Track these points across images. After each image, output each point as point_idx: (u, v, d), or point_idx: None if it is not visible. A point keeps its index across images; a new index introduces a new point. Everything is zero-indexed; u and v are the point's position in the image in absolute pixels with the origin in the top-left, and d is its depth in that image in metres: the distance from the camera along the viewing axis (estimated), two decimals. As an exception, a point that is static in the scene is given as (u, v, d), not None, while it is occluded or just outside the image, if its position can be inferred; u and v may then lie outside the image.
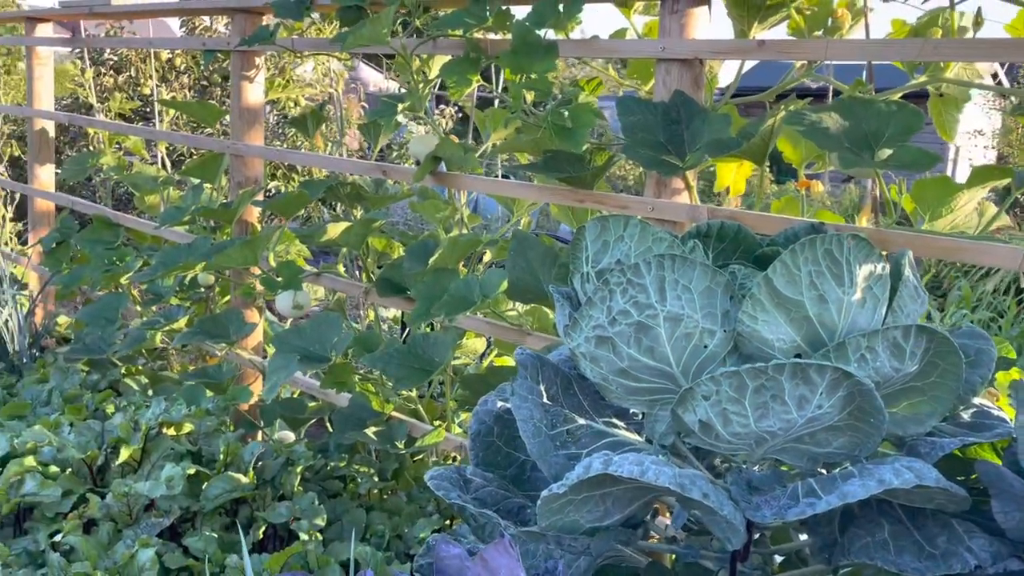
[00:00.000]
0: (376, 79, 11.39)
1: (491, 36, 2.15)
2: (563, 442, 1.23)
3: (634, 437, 1.31)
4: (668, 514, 1.82)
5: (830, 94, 1.72)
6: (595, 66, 2.27)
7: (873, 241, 1.18)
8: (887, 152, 1.45)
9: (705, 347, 1.12)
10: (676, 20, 1.77)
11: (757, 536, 1.31)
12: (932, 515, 1.13)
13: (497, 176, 2.63)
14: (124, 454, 2.02)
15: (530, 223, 2.52)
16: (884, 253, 1.17)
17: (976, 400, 1.27)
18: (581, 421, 1.27)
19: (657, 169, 1.73)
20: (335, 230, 2.34)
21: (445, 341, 2.08)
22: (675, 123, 1.74)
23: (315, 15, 2.93)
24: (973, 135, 13.26)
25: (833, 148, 1.43)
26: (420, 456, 2.39)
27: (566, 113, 1.87)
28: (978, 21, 1.59)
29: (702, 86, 1.80)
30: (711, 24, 1.81)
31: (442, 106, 6.32)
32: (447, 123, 5.87)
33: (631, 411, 1.36)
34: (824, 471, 1.20)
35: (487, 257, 2.58)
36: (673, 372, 1.14)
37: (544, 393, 1.28)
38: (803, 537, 1.35)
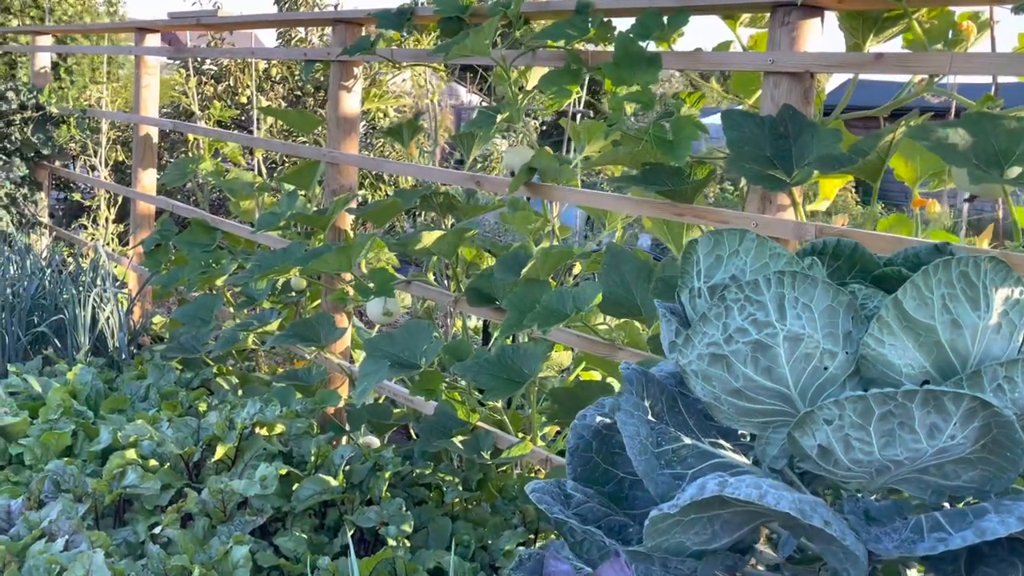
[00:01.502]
0: (459, 91, 11.53)
1: (591, 47, 2.13)
2: (668, 461, 1.20)
3: (740, 459, 1.26)
4: (765, 541, 1.75)
5: (952, 110, 1.64)
6: (694, 78, 2.23)
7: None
8: (1017, 170, 1.37)
9: (825, 369, 1.08)
10: (787, 33, 1.73)
11: (870, 570, 1.25)
12: (1071, 558, 1.06)
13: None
14: (220, 452, 2.06)
15: (623, 237, 2.49)
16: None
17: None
18: (687, 440, 1.23)
19: (763, 184, 1.68)
20: (429, 238, 2.35)
21: (535, 353, 2.06)
22: (783, 137, 1.69)
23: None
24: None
25: (961, 164, 1.37)
26: (504, 468, 2.37)
27: (667, 125, 1.84)
28: (1118, 35, 1.50)
29: (811, 100, 1.75)
30: (821, 36, 1.76)
31: (527, 118, 6.33)
32: (532, 135, 5.88)
33: (738, 432, 1.32)
34: (947, 504, 1.13)
35: (576, 269, 2.56)
36: (790, 394, 1.10)
37: (649, 410, 1.24)
38: (911, 573, 1.28)
